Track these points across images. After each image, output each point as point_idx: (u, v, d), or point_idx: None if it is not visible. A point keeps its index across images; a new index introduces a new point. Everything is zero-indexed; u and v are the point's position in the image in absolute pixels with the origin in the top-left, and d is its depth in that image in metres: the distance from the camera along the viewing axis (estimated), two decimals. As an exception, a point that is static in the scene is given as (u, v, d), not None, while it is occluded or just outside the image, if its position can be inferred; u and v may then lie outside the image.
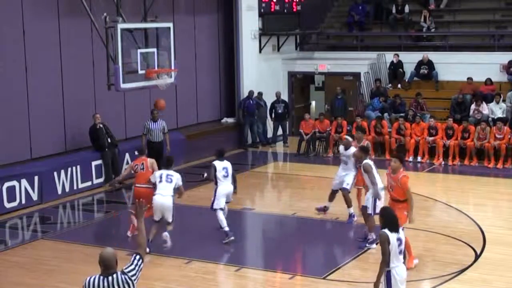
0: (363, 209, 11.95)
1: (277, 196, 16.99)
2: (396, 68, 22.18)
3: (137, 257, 6.35)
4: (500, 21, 23.14)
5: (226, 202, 12.47)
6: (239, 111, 21.40)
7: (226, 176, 12.28)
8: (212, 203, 12.27)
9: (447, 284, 10.35)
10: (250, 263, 11.74)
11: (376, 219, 9.82)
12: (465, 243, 12.12)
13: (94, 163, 16.41)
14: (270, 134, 21.95)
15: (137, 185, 12.27)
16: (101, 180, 16.56)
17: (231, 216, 12.70)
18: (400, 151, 17.18)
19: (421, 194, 15.59)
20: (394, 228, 7.65)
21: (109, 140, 16.74)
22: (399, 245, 7.62)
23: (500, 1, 23.59)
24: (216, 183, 12.27)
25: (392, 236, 7.57)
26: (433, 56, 21.95)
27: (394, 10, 23.82)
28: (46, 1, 16.09)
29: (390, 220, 7.71)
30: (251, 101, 21.09)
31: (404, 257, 7.85)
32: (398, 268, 7.63)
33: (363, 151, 11.99)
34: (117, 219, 14.57)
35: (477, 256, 11.52)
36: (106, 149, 16.62)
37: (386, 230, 7.59)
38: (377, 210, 10.83)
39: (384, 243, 7.56)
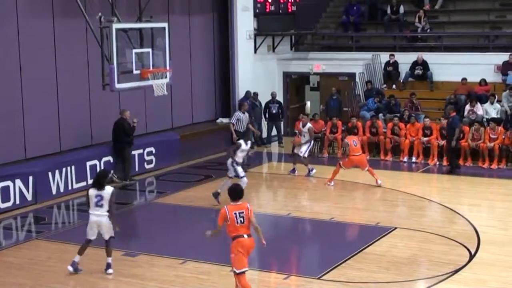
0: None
1: (272, 196, 17.00)
2: (391, 68, 22.23)
3: None
4: (495, 22, 23.20)
5: None
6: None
7: None
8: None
9: (441, 284, 10.36)
10: (245, 263, 11.70)
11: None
12: (460, 243, 12.13)
13: (88, 163, 16.36)
14: (265, 134, 21.96)
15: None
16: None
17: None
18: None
19: (415, 194, 15.63)
20: (96, 187, 10.48)
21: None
22: (98, 201, 10.44)
23: (495, 2, 23.64)
24: None
25: (92, 191, 10.43)
26: (427, 56, 21.98)
27: (389, 11, 23.85)
28: (40, 1, 16.04)
29: (95, 180, 10.67)
30: (247, 102, 21.05)
31: (110, 211, 10.52)
32: (92, 215, 10.57)
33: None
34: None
35: (471, 256, 11.53)
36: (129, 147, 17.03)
37: (91, 189, 10.51)
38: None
39: (86, 196, 10.69)
